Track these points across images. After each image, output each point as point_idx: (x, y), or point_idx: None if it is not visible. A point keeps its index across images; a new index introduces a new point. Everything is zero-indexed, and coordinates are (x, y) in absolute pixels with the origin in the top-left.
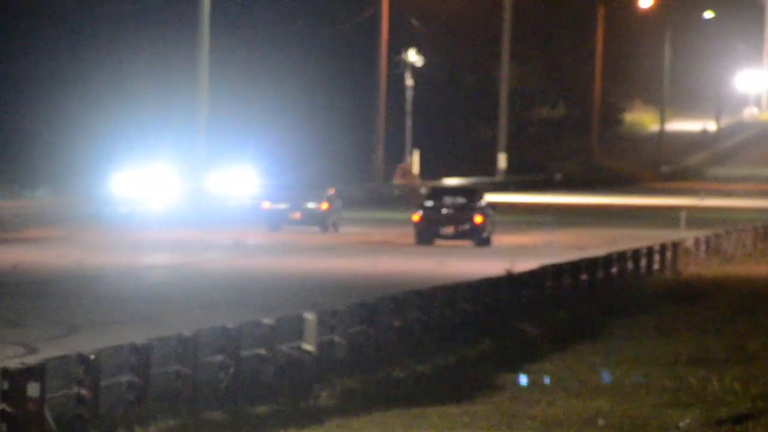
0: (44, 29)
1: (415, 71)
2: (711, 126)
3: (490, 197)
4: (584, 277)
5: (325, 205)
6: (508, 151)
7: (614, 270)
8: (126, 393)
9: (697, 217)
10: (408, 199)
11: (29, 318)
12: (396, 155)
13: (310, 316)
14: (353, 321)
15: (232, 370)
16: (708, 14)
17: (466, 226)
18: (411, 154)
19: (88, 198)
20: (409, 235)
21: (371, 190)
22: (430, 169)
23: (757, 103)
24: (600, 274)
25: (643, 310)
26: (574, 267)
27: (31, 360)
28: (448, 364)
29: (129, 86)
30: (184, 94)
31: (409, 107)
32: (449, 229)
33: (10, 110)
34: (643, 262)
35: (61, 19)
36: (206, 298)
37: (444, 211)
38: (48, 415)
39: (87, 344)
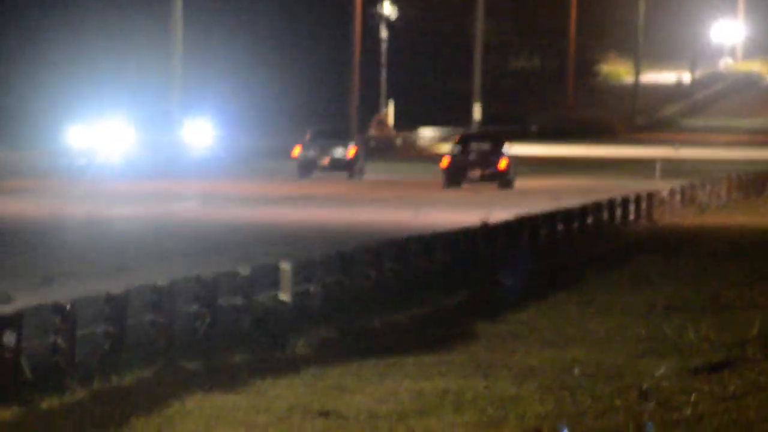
0: None
1: (390, 23)
2: (686, 77)
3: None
4: (560, 227)
5: (352, 152)
6: (484, 103)
7: (590, 220)
8: (102, 342)
9: (672, 168)
10: (384, 149)
11: (2, 268)
12: (371, 108)
13: (285, 266)
14: (329, 271)
15: (208, 319)
16: None
17: (492, 170)
18: (386, 105)
19: (46, 151)
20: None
21: None
22: (406, 121)
23: (732, 53)
24: (576, 224)
25: (619, 260)
26: (550, 218)
27: (7, 309)
28: (423, 314)
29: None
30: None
31: (384, 59)
32: (476, 173)
33: None
34: (619, 212)
35: None
36: (183, 248)
37: (471, 156)
38: (24, 363)
39: (63, 294)
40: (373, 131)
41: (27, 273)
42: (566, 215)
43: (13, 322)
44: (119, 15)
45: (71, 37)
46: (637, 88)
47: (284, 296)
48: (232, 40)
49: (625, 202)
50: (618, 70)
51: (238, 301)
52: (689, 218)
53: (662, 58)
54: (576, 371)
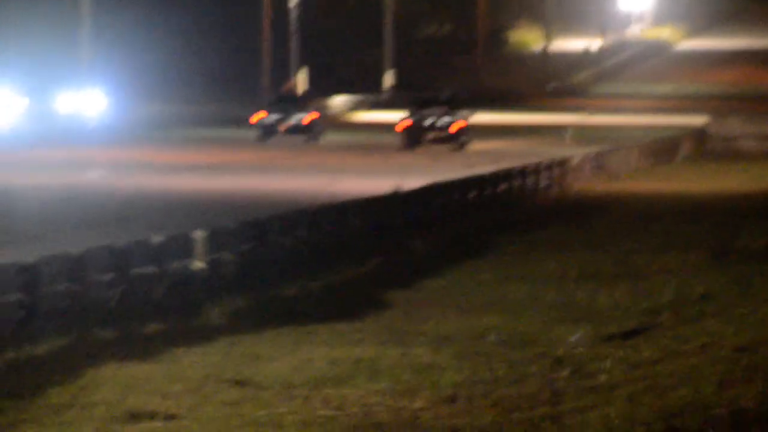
0: None
1: None
2: (595, 44)
3: (377, 115)
4: (473, 194)
5: (310, 117)
6: (397, 70)
7: (502, 187)
8: (15, 312)
9: (583, 135)
10: None
11: None
12: (282, 75)
13: (199, 234)
14: (243, 239)
15: (121, 288)
16: None
17: (446, 133)
18: (296, 73)
19: None
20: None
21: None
22: (318, 88)
23: (641, 20)
24: (488, 191)
25: (532, 227)
26: (463, 184)
27: None
28: (338, 281)
29: None
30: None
31: (292, 27)
32: (431, 136)
33: None
34: (531, 179)
35: None
36: (95, 217)
37: (426, 120)
38: None
39: None
40: None
41: None
42: (479, 182)
43: None
44: None
45: None
46: (546, 55)
47: (198, 264)
48: (146, 11)
49: (537, 168)
50: (528, 38)
51: (152, 269)
52: (601, 185)
53: (572, 26)
54: (491, 338)
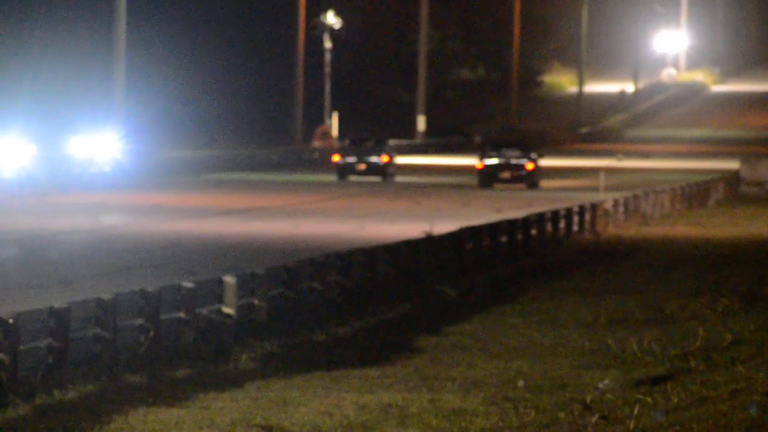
0: None
1: (334, 34)
2: (629, 87)
3: (409, 159)
4: (504, 239)
5: (386, 158)
6: (428, 113)
7: (533, 231)
8: (45, 357)
9: (615, 179)
10: (327, 161)
11: None
12: (314, 118)
13: (229, 279)
14: (273, 284)
15: (151, 333)
16: None
17: (521, 172)
18: (330, 116)
19: None
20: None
21: (290, 153)
22: (349, 132)
23: (675, 64)
24: (519, 235)
25: (563, 271)
26: (493, 229)
27: None
28: (368, 326)
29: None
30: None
31: (327, 70)
32: (506, 174)
33: None
34: (563, 223)
35: None
36: (127, 261)
37: (502, 160)
38: None
39: (5, 309)
40: (316, 142)
41: None
42: (510, 226)
43: None
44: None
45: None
46: (580, 99)
47: (228, 309)
48: (176, 53)
49: (568, 213)
50: (561, 81)
51: (182, 315)
52: (632, 229)
53: (606, 69)
54: (520, 383)
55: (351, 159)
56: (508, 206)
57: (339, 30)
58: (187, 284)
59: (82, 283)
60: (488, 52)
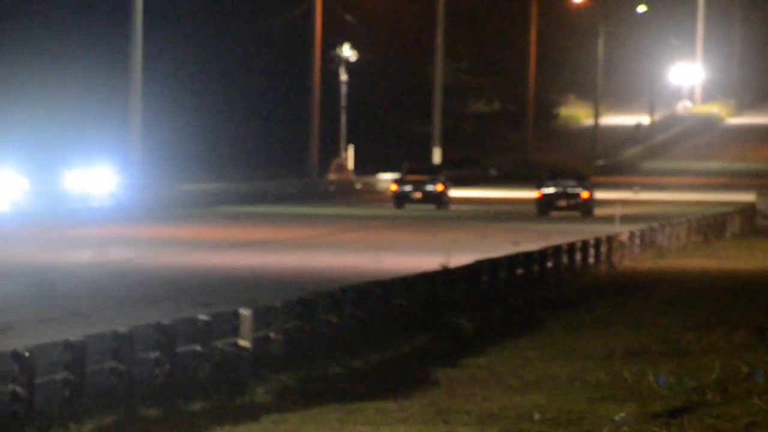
0: None
1: (350, 66)
2: (645, 120)
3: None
4: (520, 271)
5: (440, 187)
6: (443, 146)
7: (550, 264)
8: (61, 390)
9: (631, 211)
10: (343, 194)
11: None
12: (330, 150)
13: (245, 312)
14: (289, 317)
15: (167, 366)
16: (641, 8)
17: (577, 201)
18: (346, 149)
19: None
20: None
21: (306, 185)
22: (365, 165)
23: (690, 96)
24: (536, 268)
25: (579, 304)
26: (510, 261)
27: None
28: (384, 359)
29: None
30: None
31: (343, 102)
32: (563, 203)
33: None
34: (578, 255)
35: None
36: (141, 293)
37: (558, 189)
38: None
39: (21, 342)
40: (332, 175)
41: None
42: (526, 258)
43: None
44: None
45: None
46: (596, 131)
47: (244, 342)
48: (191, 87)
49: (584, 245)
50: (577, 113)
51: (198, 347)
52: (648, 261)
53: (621, 101)
54: (536, 417)
55: (408, 188)
56: (525, 239)
57: (355, 62)
58: (203, 317)
59: (98, 316)
60: (504, 85)
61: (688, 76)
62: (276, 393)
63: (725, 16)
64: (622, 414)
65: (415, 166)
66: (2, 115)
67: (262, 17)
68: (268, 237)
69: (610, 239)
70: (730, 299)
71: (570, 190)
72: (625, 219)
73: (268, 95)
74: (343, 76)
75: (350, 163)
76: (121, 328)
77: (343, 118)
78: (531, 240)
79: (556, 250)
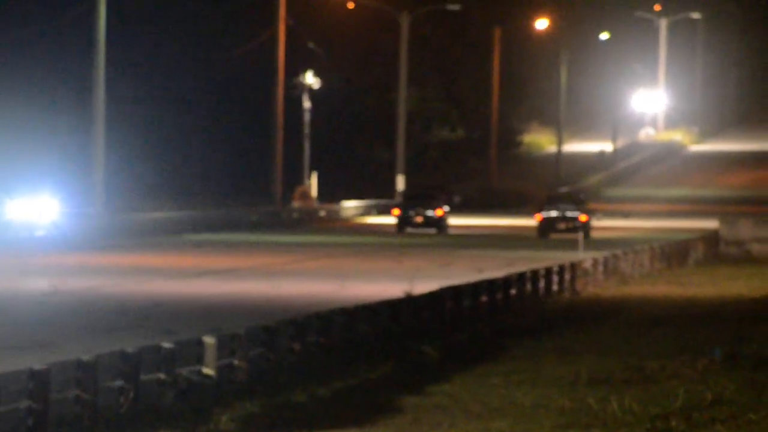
0: None
1: (314, 94)
2: (608, 147)
3: (389, 219)
4: (484, 298)
5: (440, 212)
6: (407, 173)
7: (514, 291)
8: (25, 419)
9: (594, 238)
10: (307, 221)
11: None
12: (294, 178)
13: (209, 340)
14: (253, 344)
15: (131, 394)
16: (604, 36)
17: (576, 224)
18: (309, 176)
19: None
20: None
21: (270, 213)
22: (329, 192)
23: (653, 123)
24: (499, 295)
25: (543, 331)
26: (474, 288)
27: None
28: (348, 387)
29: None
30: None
31: (307, 130)
32: (562, 225)
33: None
34: (542, 283)
35: None
36: (105, 322)
37: (558, 213)
38: None
39: None
40: (296, 202)
41: None
42: (490, 286)
43: None
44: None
45: None
46: (559, 158)
47: (208, 370)
48: (156, 112)
49: (548, 272)
50: (541, 140)
51: (162, 375)
52: (612, 288)
53: (584, 128)
54: None
55: (410, 212)
56: (489, 266)
57: (319, 90)
58: (167, 345)
59: (61, 345)
60: (468, 112)
61: (650, 104)
62: (240, 420)
63: (687, 44)
64: None
65: (416, 192)
66: None
67: (227, 45)
68: (231, 265)
69: (573, 266)
70: (694, 326)
71: (568, 214)
72: (589, 247)
73: (232, 123)
74: (307, 104)
75: (314, 191)
76: (85, 357)
77: (307, 145)
78: (495, 267)
79: (520, 277)
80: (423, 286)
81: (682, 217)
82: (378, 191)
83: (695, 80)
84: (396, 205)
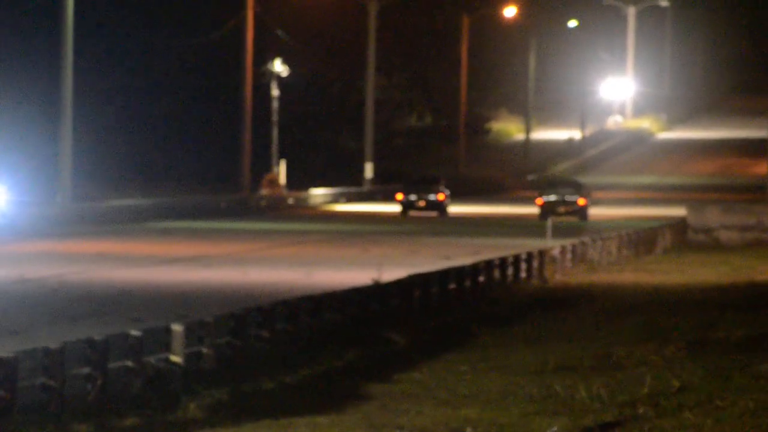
0: None
1: (282, 81)
2: (576, 134)
3: (357, 207)
4: (452, 286)
5: (441, 196)
6: (376, 161)
7: (482, 278)
8: None
9: (563, 225)
10: (275, 209)
11: None
12: (262, 166)
13: (177, 328)
14: (221, 332)
15: (99, 382)
16: (572, 23)
17: (574, 207)
18: (278, 164)
19: None
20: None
21: (238, 200)
22: (297, 180)
23: (622, 111)
24: (468, 283)
25: (511, 318)
26: (442, 276)
27: None
28: (316, 374)
29: None
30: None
31: (275, 117)
32: (562, 209)
33: None
34: (510, 270)
35: None
36: (72, 309)
37: (558, 196)
38: None
39: None
40: (264, 190)
41: None
42: (458, 273)
43: None
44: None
45: None
46: (527, 146)
47: (176, 358)
48: (123, 100)
49: (516, 260)
50: (509, 128)
51: (130, 363)
52: (580, 276)
53: (553, 116)
54: (468, 430)
55: (412, 197)
56: (456, 253)
57: (287, 77)
58: (135, 332)
59: (29, 332)
60: (436, 99)
61: (619, 91)
62: (208, 408)
63: (656, 31)
64: (554, 428)
65: (418, 177)
66: None
67: (194, 32)
68: (199, 252)
69: (541, 254)
70: (661, 313)
71: (568, 198)
72: (557, 232)
73: (200, 110)
74: (275, 92)
75: (282, 178)
76: (53, 344)
77: (275, 133)
78: (462, 255)
79: (488, 264)
80: (391, 274)
81: (650, 204)
82: (346, 179)
83: (663, 68)
84: (400, 190)
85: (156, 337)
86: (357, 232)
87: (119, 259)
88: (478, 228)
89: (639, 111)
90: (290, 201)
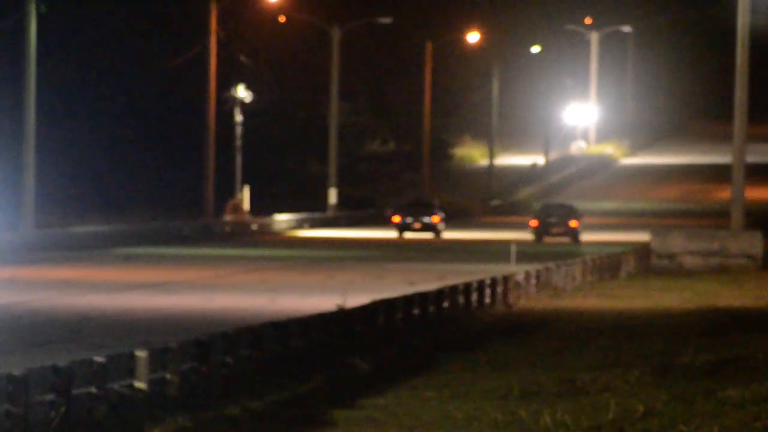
0: None
1: (245, 107)
2: (540, 160)
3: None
4: (416, 311)
5: (436, 219)
6: (339, 186)
7: (446, 304)
8: None
9: (527, 251)
10: (239, 235)
11: None
12: (226, 191)
13: (141, 354)
14: (185, 358)
15: (63, 408)
16: (535, 49)
17: (567, 229)
18: (242, 190)
19: None
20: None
21: (202, 226)
22: (261, 205)
23: (585, 136)
24: (432, 308)
25: (475, 344)
26: (407, 301)
27: None
28: (280, 400)
29: None
30: None
31: (238, 143)
32: (555, 230)
33: None
34: (475, 296)
35: None
36: (36, 336)
37: (552, 219)
38: None
39: None
40: (228, 216)
41: None
42: (422, 299)
43: None
44: None
45: None
46: (491, 171)
47: (140, 384)
48: (87, 125)
49: (480, 285)
50: (473, 153)
51: (94, 389)
52: (544, 301)
53: (516, 141)
54: None
55: (409, 219)
56: (421, 279)
57: (250, 103)
58: (99, 359)
59: None
60: (399, 125)
61: (582, 117)
62: None
63: (618, 57)
64: None
65: (414, 200)
66: None
67: (158, 57)
68: (163, 278)
69: (506, 279)
70: (624, 339)
71: (561, 220)
72: (521, 258)
73: (164, 136)
74: (238, 117)
75: (246, 204)
76: (16, 371)
77: (239, 158)
78: (427, 280)
79: (453, 290)
80: (356, 300)
81: (613, 230)
82: (310, 204)
83: (626, 93)
84: (395, 212)
85: (120, 363)
86: (321, 257)
87: (83, 285)
88: (443, 253)
89: (602, 136)
90: (254, 227)
